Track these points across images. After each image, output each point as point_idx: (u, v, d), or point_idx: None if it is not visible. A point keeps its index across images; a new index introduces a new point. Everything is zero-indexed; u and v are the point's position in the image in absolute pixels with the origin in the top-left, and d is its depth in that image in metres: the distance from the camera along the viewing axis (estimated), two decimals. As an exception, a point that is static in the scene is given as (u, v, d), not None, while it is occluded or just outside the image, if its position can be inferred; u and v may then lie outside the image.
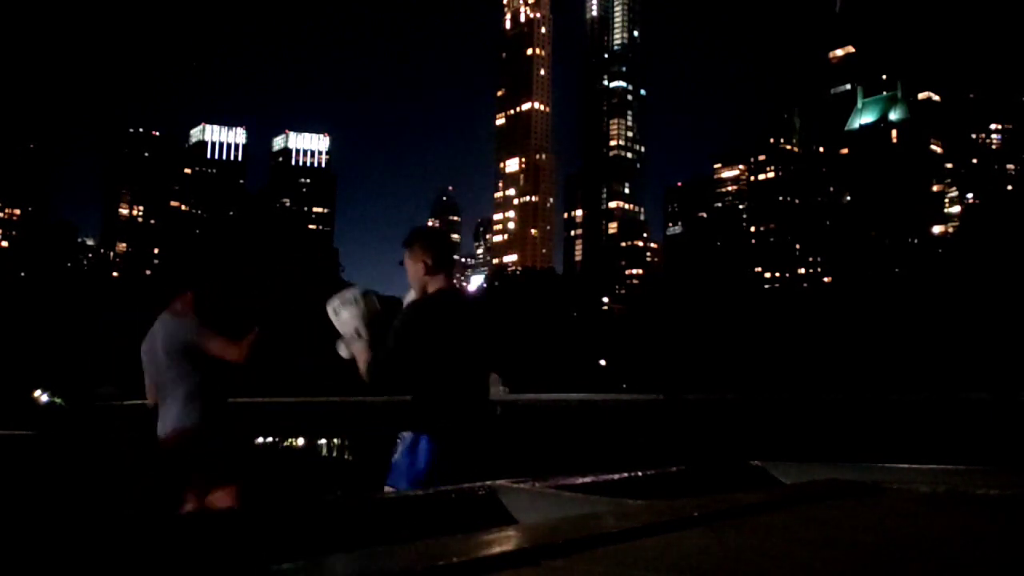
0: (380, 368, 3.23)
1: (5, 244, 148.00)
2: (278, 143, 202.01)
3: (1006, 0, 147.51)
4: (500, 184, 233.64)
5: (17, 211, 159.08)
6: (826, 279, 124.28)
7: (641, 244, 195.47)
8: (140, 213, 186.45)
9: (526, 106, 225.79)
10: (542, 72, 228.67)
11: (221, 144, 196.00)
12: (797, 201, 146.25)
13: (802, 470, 2.51)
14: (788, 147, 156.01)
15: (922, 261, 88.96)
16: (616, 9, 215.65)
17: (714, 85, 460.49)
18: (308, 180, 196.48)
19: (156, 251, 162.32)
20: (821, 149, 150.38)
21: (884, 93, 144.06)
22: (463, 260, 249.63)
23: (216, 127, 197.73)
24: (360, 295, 3.40)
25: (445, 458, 3.17)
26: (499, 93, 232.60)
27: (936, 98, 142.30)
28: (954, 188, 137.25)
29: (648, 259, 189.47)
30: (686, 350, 57.08)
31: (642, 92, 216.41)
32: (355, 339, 3.31)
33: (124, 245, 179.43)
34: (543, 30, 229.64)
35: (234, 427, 4.43)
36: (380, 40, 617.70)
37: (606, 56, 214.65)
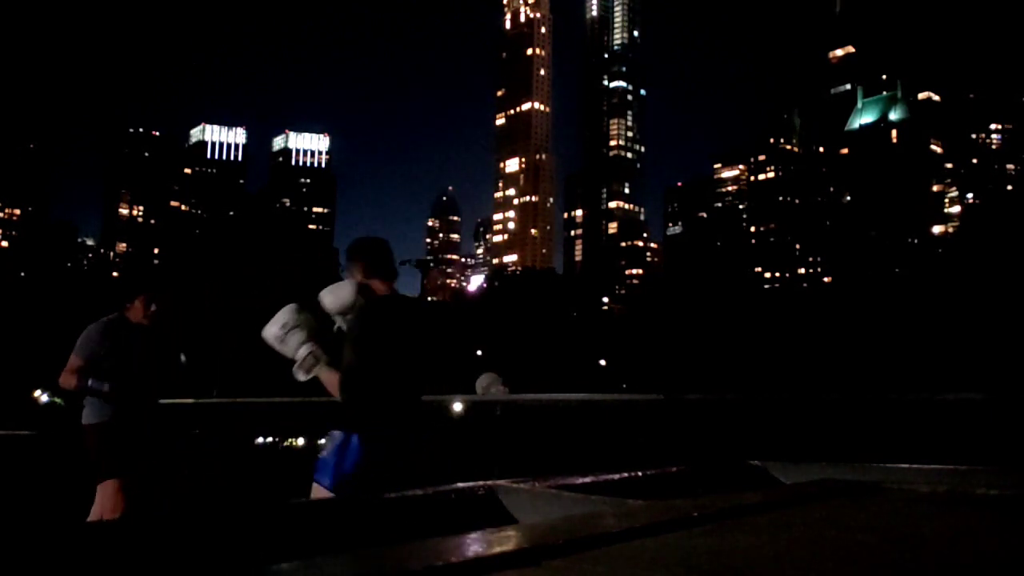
0: (352, 382, 3.32)
1: (5, 244, 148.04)
2: (278, 143, 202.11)
3: (1006, 0, 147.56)
4: (500, 184, 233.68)
5: (17, 211, 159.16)
6: (826, 279, 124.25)
7: (641, 244, 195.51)
8: (140, 213, 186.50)
9: (526, 106, 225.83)
10: (542, 72, 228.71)
11: (221, 144, 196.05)
12: (797, 201, 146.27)
13: (802, 470, 2.51)
14: (788, 147, 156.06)
15: (922, 261, 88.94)
16: (616, 9, 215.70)
17: (714, 85, 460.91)
18: (308, 180, 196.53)
19: (156, 251, 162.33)
20: (821, 149, 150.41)
21: (884, 93, 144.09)
22: (463, 260, 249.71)
23: (216, 127, 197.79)
24: (295, 315, 3.45)
25: (373, 459, 3.23)
26: (499, 93, 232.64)
27: (936, 98, 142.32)
28: (954, 188, 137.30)
29: (648, 259, 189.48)
30: (686, 350, 57.04)
31: (642, 92, 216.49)
32: (313, 363, 3.40)
33: (124, 245, 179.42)
34: (543, 30, 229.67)
35: (141, 428, 4.57)
36: (380, 40, 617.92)
37: (606, 56, 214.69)
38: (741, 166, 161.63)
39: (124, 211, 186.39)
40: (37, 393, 41.19)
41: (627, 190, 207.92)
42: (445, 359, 3.64)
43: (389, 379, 3.38)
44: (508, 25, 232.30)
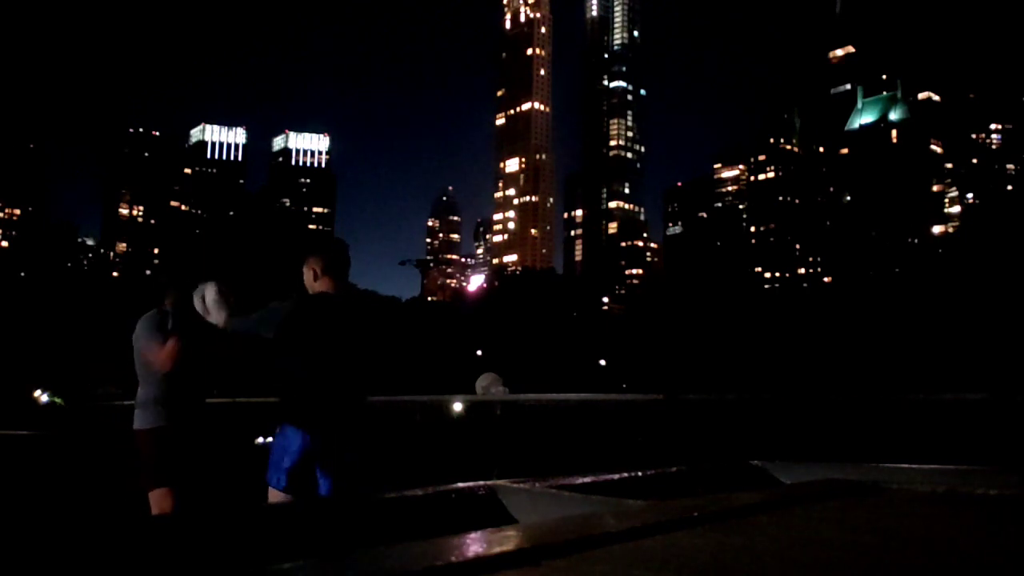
0: (239, 322, 3.62)
1: (5, 244, 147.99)
2: (278, 143, 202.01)
3: (1006, 0, 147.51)
4: (500, 184, 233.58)
5: (17, 211, 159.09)
6: (826, 279, 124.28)
7: (641, 244, 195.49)
8: (140, 213, 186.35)
9: (526, 106, 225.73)
10: (542, 72, 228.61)
11: (221, 144, 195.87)
12: (797, 201, 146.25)
13: (802, 470, 2.51)
14: (788, 147, 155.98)
15: (922, 261, 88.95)
16: (616, 9, 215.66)
17: (714, 85, 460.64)
18: (308, 180, 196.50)
19: (156, 251, 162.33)
20: (821, 149, 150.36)
21: (884, 93, 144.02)
22: (463, 260, 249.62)
23: (216, 127, 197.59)
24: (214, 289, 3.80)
25: (314, 450, 3.32)
26: (499, 93, 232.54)
27: (936, 98, 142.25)
28: (954, 188, 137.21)
29: (648, 259, 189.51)
30: (686, 350, 57.06)
31: (642, 92, 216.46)
32: (217, 308, 3.73)
33: (124, 245, 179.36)
34: (543, 30, 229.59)
35: (194, 431, 4.35)
36: (380, 40, 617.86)
37: (606, 56, 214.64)
38: (741, 166, 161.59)
39: (124, 211, 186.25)
40: (37, 393, 41.21)
41: (627, 190, 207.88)
42: (384, 357, 3.70)
43: (326, 373, 3.44)
44: (508, 25, 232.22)
